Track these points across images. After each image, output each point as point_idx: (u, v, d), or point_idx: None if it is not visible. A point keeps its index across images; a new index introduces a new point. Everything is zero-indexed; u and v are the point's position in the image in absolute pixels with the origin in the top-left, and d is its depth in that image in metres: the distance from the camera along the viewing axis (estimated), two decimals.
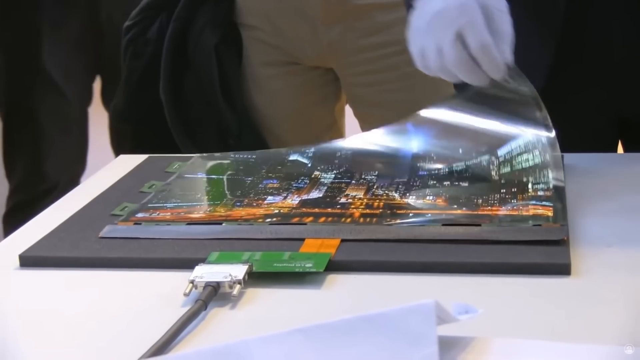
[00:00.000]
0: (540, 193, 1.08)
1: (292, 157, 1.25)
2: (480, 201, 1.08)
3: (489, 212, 1.05)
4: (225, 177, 1.22)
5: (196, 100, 1.77)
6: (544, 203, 1.05)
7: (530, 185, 1.10)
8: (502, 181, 1.12)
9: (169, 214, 1.09)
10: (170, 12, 1.79)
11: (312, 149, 1.25)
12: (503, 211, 1.05)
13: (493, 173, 1.14)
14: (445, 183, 1.14)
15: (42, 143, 2.09)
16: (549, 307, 0.87)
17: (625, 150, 1.35)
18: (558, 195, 1.07)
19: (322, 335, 0.67)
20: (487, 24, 1.07)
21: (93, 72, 2.13)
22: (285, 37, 1.73)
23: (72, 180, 2.17)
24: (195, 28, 1.76)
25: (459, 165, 1.17)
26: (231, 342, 0.73)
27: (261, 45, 1.76)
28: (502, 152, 1.16)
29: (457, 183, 1.14)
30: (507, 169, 1.14)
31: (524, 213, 1.04)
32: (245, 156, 1.28)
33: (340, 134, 1.87)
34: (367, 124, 1.79)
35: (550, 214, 1.03)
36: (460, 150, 1.18)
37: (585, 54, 1.23)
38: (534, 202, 1.06)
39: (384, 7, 1.69)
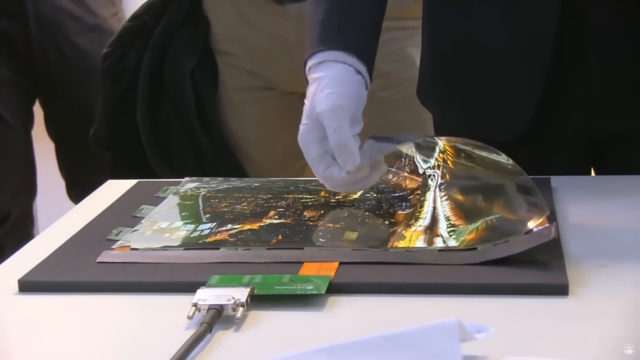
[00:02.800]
0: None
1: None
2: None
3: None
4: (216, 198, 1.23)
5: (173, 125, 1.78)
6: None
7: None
8: None
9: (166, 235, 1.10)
10: (147, 39, 1.80)
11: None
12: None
13: None
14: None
15: None
16: (551, 327, 0.89)
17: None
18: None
19: (345, 355, 0.68)
20: None
21: (31, 96, 2.11)
22: (261, 62, 1.74)
23: (24, 208, 2.14)
24: (171, 54, 1.78)
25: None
26: None
27: (236, 70, 1.77)
28: None
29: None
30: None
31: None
32: (235, 182, 1.29)
33: None
34: None
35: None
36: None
37: (564, 79, 1.25)
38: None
39: None
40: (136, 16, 1.85)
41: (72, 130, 2.05)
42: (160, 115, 1.78)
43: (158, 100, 1.78)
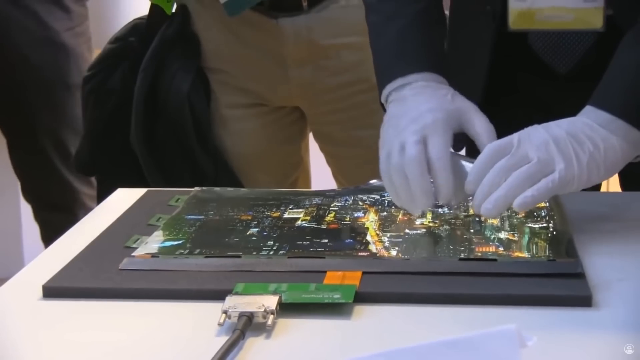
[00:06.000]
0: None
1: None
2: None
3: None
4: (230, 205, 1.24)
5: (170, 146, 1.77)
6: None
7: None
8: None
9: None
10: (131, 62, 1.78)
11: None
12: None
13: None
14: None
15: None
16: (579, 338, 0.90)
17: None
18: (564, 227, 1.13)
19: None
20: None
21: None
22: (254, 78, 1.74)
23: None
24: (165, 76, 1.76)
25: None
26: None
27: (228, 88, 1.77)
28: None
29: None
30: None
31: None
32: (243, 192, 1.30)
33: (306, 171, 1.89)
34: (334, 160, 1.82)
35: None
36: None
37: None
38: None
39: (351, 47, 1.72)
40: (119, 38, 1.83)
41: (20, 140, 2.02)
42: (156, 136, 1.78)
43: (152, 121, 1.77)
